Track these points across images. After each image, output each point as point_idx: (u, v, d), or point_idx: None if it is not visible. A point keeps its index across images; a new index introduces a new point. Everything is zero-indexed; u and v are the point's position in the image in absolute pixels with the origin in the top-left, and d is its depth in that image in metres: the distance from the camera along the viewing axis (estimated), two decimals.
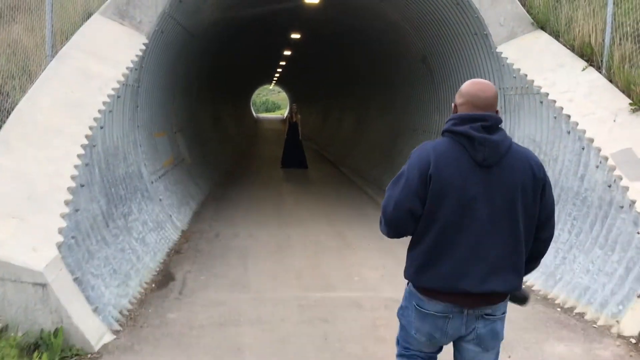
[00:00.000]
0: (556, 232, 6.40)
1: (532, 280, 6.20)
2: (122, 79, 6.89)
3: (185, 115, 12.74)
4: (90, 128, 5.85)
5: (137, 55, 7.47)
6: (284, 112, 65.93)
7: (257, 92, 60.19)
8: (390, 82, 14.61)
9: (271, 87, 68.25)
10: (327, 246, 7.69)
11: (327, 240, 8.03)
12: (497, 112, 2.50)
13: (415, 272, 2.46)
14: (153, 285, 5.85)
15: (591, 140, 6.10)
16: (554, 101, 6.85)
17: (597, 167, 5.92)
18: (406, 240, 2.62)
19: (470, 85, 2.50)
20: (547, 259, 6.23)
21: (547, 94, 7.00)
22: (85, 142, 5.63)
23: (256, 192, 12.19)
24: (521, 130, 7.73)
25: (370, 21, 12.64)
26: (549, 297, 5.76)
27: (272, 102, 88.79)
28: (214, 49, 14.60)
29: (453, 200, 2.36)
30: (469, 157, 2.37)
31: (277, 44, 19.87)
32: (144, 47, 7.71)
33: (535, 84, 7.26)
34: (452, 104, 2.58)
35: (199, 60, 13.38)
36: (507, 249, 2.38)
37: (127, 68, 7.13)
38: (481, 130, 2.36)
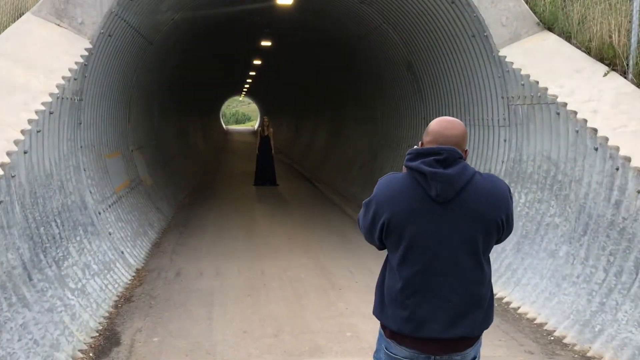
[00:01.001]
0: (587, 269, 5.34)
1: (561, 329, 5.11)
2: (56, 91, 5.63)
3: (144, 132, 11.44)
4: (9, 154, 4.58)
5: (77, 63, 6.22)
6: (255, 124, 64.64)
7: (226, 103, 58.88)
8: (370, 92, 13.53)
9: (241, 98, 66.89)
10: (309, 286, 6.50)
11: (308, 277, 6.84)
12: (465, 152, 2.38)
13: (380, 311, 2.39)
14: (91, 354, 4.57)
15: (628, 159, 5.06)
16: (575, 112, 5.81)
17: (639, 192, 4.87)
18: None
19: (436, 123, 2.41)
20: (579, 303, 5.15)
21: (566, 104, 5.96)
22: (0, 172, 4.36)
23: (225, 215, 10.94)
24: (531, 147, 6.68)
25: (348, 25, 11.56)
26: (589, 354, 4.66)
27: (242, 113, 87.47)
28: (177, 57, 13.34)
29: (409, 240, 2.28)
30: (424, 193, 2.28)
31: (246, 52, 18.69)
32: (86, 53, 6.46)
33: (549, 92, 6.22)
34: (419, 142, 2.43)
35: (160, 70, 12.10)
36: (472, 288, 2.28)
37: (64, 78, 5.88)
38: (434, 165, 2.26)
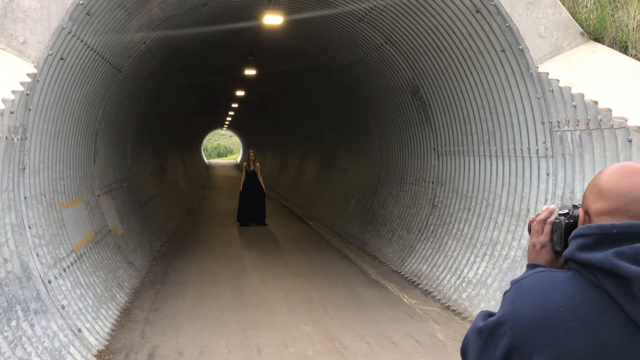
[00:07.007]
0: None
1: None
2: None
3: (115, 172, 10.02)
4: None
5: (15, 92, 4.85)
6: (237, 157, 63.25)
7: (207, 137, 57.68)
8: (367, 122, 12.29)
9: (223, 131, 65.79)
10: None
11: (317, 356, 5.41)
12: None
13: None
14: None
15: None
16: None
17: None
18: None
19: (621, 177, 1.28)
20: None
21: None
22: None
23: (209, 266, 9.49)
24: (588, 182, 5.40)
25: (342, 49, 10.36)
26: None
27: (224, 146, 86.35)
28: (152, 88, 12.01)
29: None
30: (623, 318, 1.17)
31: (229, 82, 17.44)
32: (29, 80, 5.10)
33: (614, 114, 4.99)
34: (579, 211, 1.34)
35: (132, 102, 10.75)
36: None
37: None
38: None
